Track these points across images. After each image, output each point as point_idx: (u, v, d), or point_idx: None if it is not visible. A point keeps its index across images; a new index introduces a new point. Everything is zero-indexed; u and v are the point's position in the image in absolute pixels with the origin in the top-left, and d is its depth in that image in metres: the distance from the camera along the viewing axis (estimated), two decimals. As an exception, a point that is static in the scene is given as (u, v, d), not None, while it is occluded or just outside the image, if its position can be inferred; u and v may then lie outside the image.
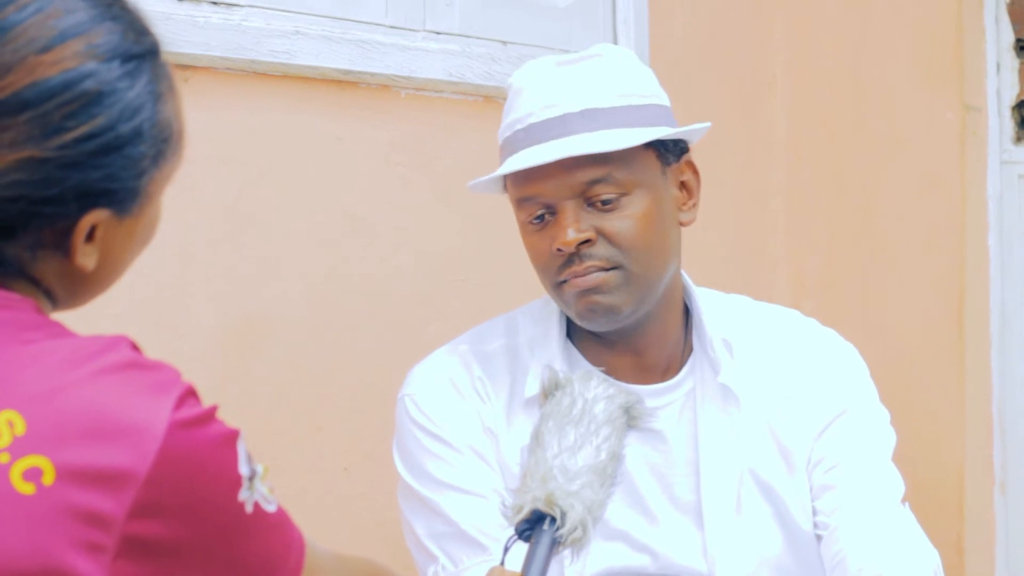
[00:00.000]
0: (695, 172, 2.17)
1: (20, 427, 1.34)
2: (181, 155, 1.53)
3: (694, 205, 2.16)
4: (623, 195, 2.07)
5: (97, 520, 1.34)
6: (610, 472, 1.75)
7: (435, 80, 2.95)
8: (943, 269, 3.43)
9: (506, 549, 1.73)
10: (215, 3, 2.67)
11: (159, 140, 1.48)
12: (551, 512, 1.70)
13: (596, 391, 1.79)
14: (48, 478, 1.33)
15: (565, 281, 2.08)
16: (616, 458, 1.76)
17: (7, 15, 1.41)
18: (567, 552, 1.72)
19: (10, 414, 1.35)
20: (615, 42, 3.27)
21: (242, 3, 2.71)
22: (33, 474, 1.33)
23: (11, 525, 1.33)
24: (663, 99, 2.13)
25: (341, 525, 2.83)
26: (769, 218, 3.62)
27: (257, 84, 2.74)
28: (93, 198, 1.43)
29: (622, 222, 2.06)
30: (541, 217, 2.08)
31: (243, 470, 1.42)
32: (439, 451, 2.10)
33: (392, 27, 2.93)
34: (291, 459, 2.76)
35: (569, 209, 2.06)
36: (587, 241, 2.06)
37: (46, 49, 1.41)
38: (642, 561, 2.13)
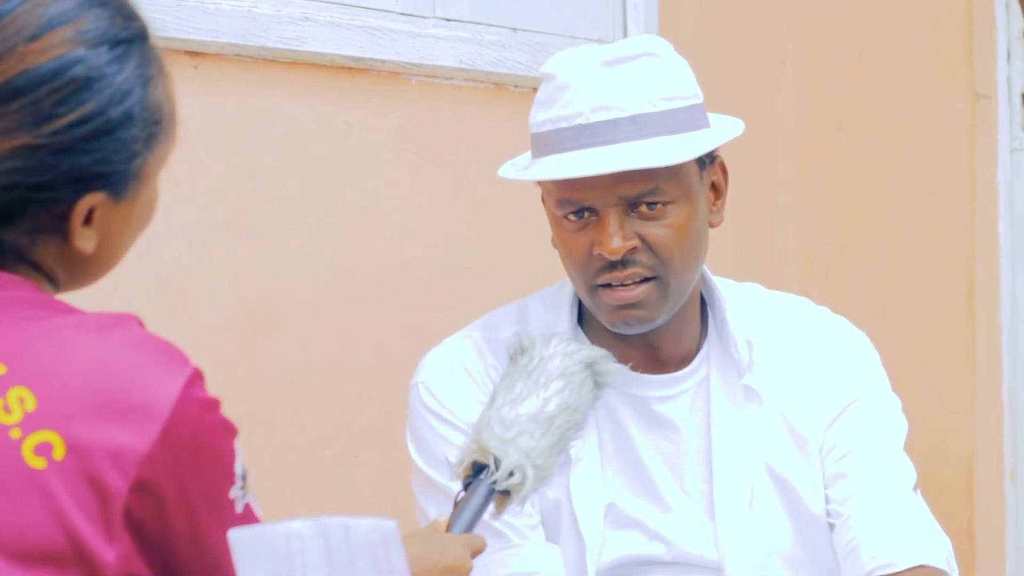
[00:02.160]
0: (724, 172, 2.16)
1: (31, 403, 1.36)
2: (174, 137, 1.54)
3: (722, 205, 2.15)
4: (668, 203, 2.05)
5: (105, 493, 1.35)
6: (559, 423, 1.78)
7: (445, 67, 2.95)
8: (953, 257, 3.43)
9: (455, 504, 1.77)
10: (225, -11, 2.67)
11: (150, 123, 1.49)
12: (485, 460, 1.74)
13: (555, 349, 1.83)
14: (58, 453, 1.35)
15: (601, 285, 2.07)
16: (569, 410, 1.79)
17: None
18: (514, 502, 1.75)
19: (20, 390, 1.37)
20: (624, 30, 3.26)
21: (252, -10, 2.71)
22: (44, 449, 1.35)
23: (25, 499, 1.35)
24: (700, 95, 2.12)
25: (353, 512, 2.82)
26: (779, 208, 3.62)
27: (267, 71, 2.74)
28: (87, 182, 1.45)
29: (664, 230, 2.05)
30: (579, 214, 2.06)
31: (238, 468, 1.44)
32: (453, 438, 2.10)
33: (402, 14, 2.93)
34: (301, 448, 2.77)
35: (613, 216, 2.04)
36: (632, 248, 2.05)
37: (35, 37, 1.42)
38: (656, 550, 2.13)
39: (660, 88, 2.05)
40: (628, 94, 2.04)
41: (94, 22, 1.45)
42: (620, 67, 2.06)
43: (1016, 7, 3.44)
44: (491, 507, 1.78)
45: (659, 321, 2.09)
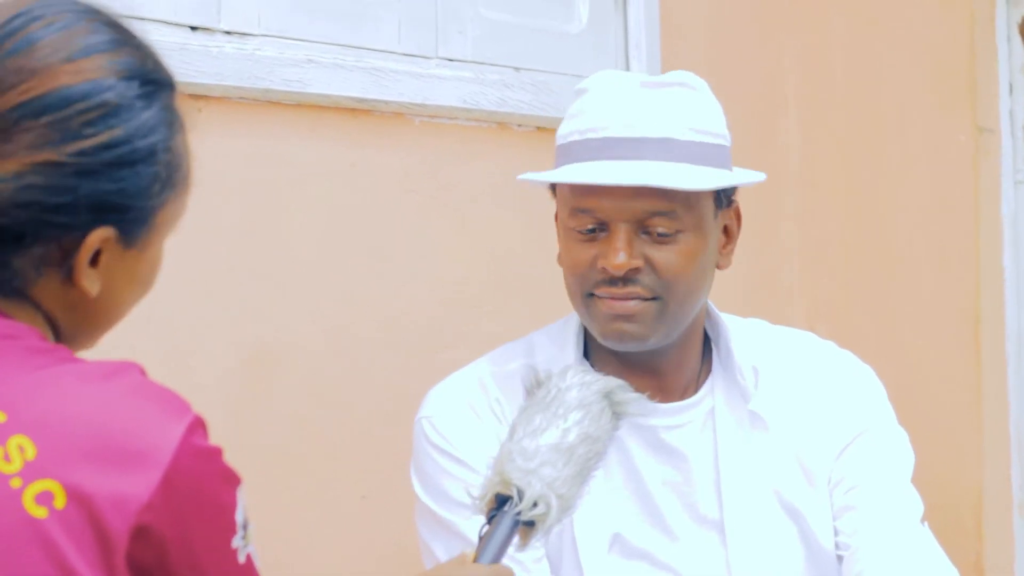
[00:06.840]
0: (739, 218, 2.17)
1: (31, 452, 1.36)
2: (188, 193, 1.55)
3: (731, 251, 2.17)
4: (679, 232, 2.06)
5: (107, 541, 1.35)
6: (580, 453, 1.77)
7: (449, 107, 2.96)
8: (958, 290, 3.43)
9: (480, 538, 1.75)
10: (228, 33, 2.68)
11: (171, 167, 1.50)
12: (509, 492, 1.73)
13: (571, 380, 1.82)
14: (59, 501, 1.35)
15: (596, 296, 2.08)
16: (589, 440, 1.79)
17: (35, 30, 1.45)
18: (539, 533, 1.75)
19: (20, 439, 1.37)
20: (627, 69, 3.27)
21: (255, 32, 2.72)
22: (45, 498, 1.35)
23: (27, 549, 1.35)
24: (728, 138, 2.13)
25: (360, 552, 2.82)
26: (783, 243, 3.62)
27: (271, 113, 2.74)
28: (104, 213, 1.45)
29: (671, 256, 2.06)
30: (592, 230, 2.07)
31: (239, 517, 1.44)
32: (457, 472, 2.10)
33: (405, 54, 2.94)
34: (308, 487, 2.76)
35: (623, 232, 2.05)
36: (635, 268, 2.05)
37: (69, 60, 1.45)
38: (665, 580, 2.13)
39: (692, 119, 2.06)
40: (660, 117, 2.05)
41: (127, 57, 1.48)
42: (656, 91, 2.08)
43: (1018, 41, 3.45)
44: (516, 539, 1.77)
45: (651, 342, 2.09)
